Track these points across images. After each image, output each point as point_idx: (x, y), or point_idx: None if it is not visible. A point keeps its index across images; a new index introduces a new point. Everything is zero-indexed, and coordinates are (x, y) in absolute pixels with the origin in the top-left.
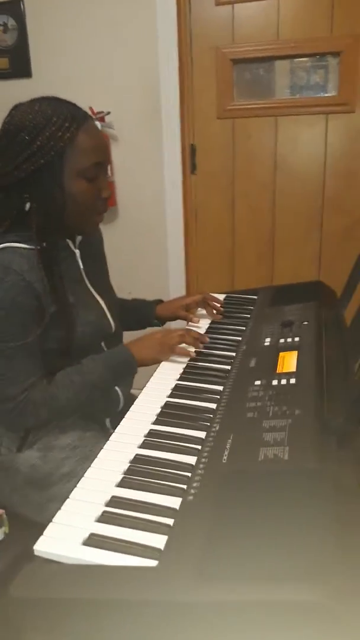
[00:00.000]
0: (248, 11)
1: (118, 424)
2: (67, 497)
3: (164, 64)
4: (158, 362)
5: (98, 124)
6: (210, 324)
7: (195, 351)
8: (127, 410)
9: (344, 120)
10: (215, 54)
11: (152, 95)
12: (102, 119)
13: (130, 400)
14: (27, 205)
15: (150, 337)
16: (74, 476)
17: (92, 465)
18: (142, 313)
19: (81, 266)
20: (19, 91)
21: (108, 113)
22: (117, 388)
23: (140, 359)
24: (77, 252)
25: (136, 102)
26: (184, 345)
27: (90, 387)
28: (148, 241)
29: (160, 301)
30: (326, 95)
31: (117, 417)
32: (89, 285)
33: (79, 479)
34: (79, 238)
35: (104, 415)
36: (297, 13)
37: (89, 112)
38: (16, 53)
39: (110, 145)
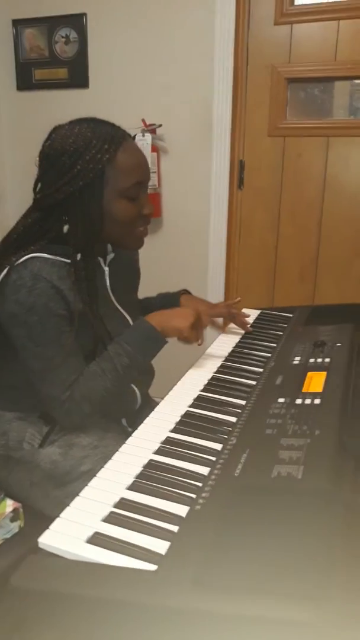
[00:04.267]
0: (306, 31)
1: (134, 423)
2: None
3: (218, 80)
4: (180, 331)
5: (149, 135)
6: (241, 338)
7: (221, 365)
8: (144, 410)
9: None
10: (271, 72)
11: (205, 110)
12: (153, 131)
13: (147, 400)
14: (65, 228)
15: (174, 309)
16: (93, 475)
17: (105, 466)
18: (169, 307)
19: (108, 283)
20: (76, 101)
21: (160, 125)
22: (134, 387)
23: (162, 328)
24: (106, 269)
25: (188, 116)
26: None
27: (123, 369)
28: (190, 254)
29: (185, 291)
30: None
31: (134, 416)
32: (114, 301)
33: None
34: (110, 256)
35: (121, 414)
36: (356, 34)
37: (141, 124)
38: (75, 64)
39: (159, 157)
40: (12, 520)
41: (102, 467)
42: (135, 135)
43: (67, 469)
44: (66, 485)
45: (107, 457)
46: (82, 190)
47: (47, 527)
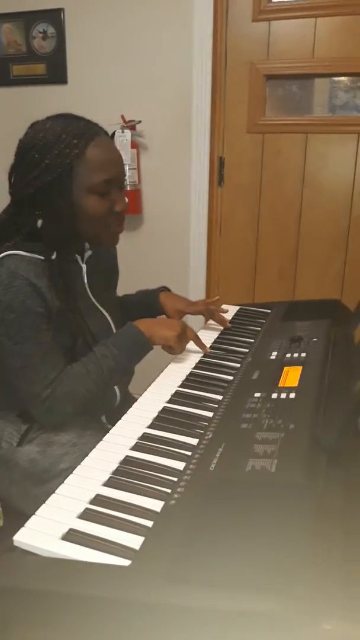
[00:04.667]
0: (284, 28)
1: (114, 420)
2: None
3: (197, 77)
4: (167, 340)
5: (128, 132)
6: (220, 335)
7: (200, 361)
8: (124, 407)
9: None
10: (249, 69)
11: (184, 107)
12: (132, 128)
13: (127, 397)
14: (39, 223)
15: (161, 318)
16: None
17: (82, 463)
18: (148, 304)
19: (85, 281)
20: (54, 97)
21: (139, 122)
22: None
23: (150, 335)
24: (83, 267)
25: (168, 112)
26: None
27: (108, 371)
28: (170, 251)
29: (165, 288)
30: None
31: (113, 413)
32: (92, 299)
33: None
34: (87, 253)
35: (100, 411)
36: (334, 32)
37: (121, 121)
38: (53, 60)
39: (139, 154)
40: None
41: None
42: (114, 131)
43: (46, 467)
44: (45, 483)
45: (86, 455)
46: (51, 185)
47: None
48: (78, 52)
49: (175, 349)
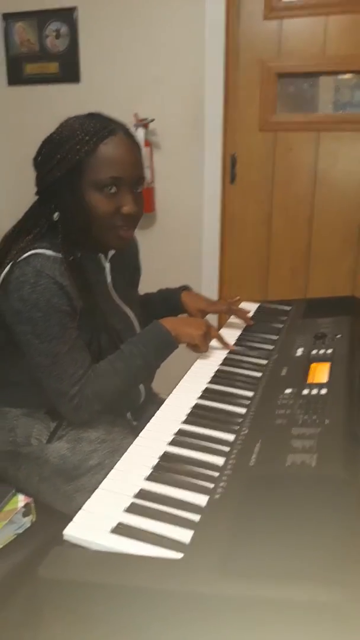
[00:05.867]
0: (295, 26)
1: (139, 417)
2: (95, 488)
3: (209, 75)
4: (193, 338)
5: (141, 130)
6: (243, 331)
7: (225, 358)
8: (148, 404)
9: None
10: (261, 67)
11: (196, 105)
12: (145, 126)
13: (151, 395)
14: (56, 215)
15: (184, 317)
16: (102, 468)
17: (122, 458)
18: (169, 303)
19: (108, 280)
20: (67, 96)
21: (152, 120)
22: None
23: (176, 334)
24: (107, 265)
25: (180, 111)
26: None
27: (136, 370)
28: (183, 248)
29: (186, 287)
30: None
31: (138, 410)
32: (115, 298)
33: (107, 471)
34: (111, 252)
35: (125, 408)
36: (344, 30)
37: (133, 119)
38: (66, 59)
39: (152, 152)
40: (24, 515)
41: (110, 460)
42: None
43: (75, 464)
44: (75, 479)
45: (115, 451)
46: (62, 179)
47: (58, 521)
48: (91, 50)
49: (200, 348)
